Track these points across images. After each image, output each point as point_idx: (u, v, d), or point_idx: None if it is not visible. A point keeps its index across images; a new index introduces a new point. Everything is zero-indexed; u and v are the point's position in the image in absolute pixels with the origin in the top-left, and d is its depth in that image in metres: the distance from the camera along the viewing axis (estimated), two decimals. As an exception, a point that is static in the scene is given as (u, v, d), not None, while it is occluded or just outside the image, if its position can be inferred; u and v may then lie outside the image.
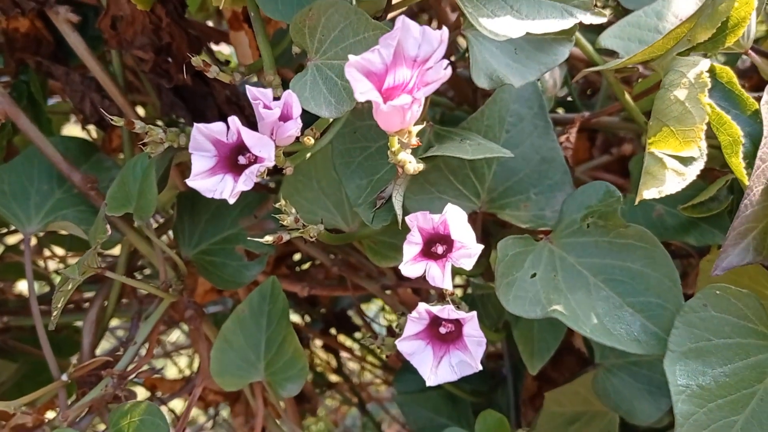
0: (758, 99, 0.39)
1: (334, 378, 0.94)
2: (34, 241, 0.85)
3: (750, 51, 0.41)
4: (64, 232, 0.80)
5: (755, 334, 0.37)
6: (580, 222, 0.43)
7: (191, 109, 0.54)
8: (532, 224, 0.46)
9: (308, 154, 0.40)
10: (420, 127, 0.33)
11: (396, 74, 0.29)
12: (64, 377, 0.50)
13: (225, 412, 1.15)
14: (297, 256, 0.75)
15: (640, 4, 0.51)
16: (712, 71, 0.40)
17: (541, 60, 0.43)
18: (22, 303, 0.80)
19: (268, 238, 0.38)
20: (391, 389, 1.26)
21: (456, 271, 0.48)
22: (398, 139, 0.32)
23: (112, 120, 0.38)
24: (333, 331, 0.83)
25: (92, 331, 0.54)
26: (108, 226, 0.40)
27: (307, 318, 0.86)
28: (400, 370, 0.61)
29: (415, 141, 0.32)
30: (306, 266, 0.75)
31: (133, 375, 0.47)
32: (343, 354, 0.89)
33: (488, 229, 0.53)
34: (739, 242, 0.38)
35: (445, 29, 0.28)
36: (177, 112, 0.54)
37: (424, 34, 0.29)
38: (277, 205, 0.39)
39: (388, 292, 0.59)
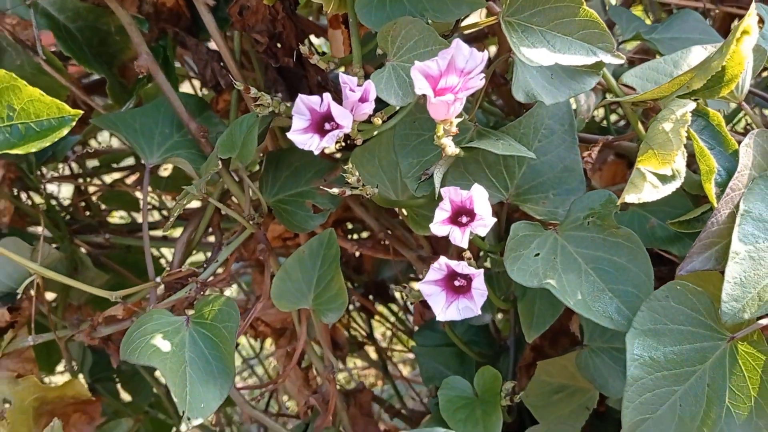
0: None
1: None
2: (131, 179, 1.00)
3: (743, 102, 0.51)
4: (162, 174, 0.95)
5: (703, 326, 0.47)
6: (583, 219, 0.53)
7: (288, 87, 0.67)
8: (545, 217, 0.56)
9: (375, 132, 0.51)
10: (459, 120, 0.44)
11: (447, 79, 0.41)
12: (158, 279, 0.63)
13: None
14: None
15: (671, 47, 0.60)
16: (705, 115, 0.49)
17: (571, 86, 0.53)
18: (119, 227, 0.96)
19: (335, 190, 0.50)
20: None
21: (479, 246, 0.59)
22: (443, 127, 0.43)
23: (235, 84, 0.50)
24: (371, 297, 0.95)
25: (182, 251, 0.67)
26: (219, 162, 0.52)
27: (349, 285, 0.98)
28: (421, 327, 0.73)
29: (454, 130, 0.43)
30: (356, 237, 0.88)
31: (212, 285, 0.60)
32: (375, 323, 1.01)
33: (511, 218, 0.63)
34: (704, 252, 0.48)
35: (486, 52, 0.39)
36: (277, 87, 0.66)
37: (471, 53, 0.40)
38: (345, 167, 0.50)
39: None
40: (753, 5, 0.45)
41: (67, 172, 0.93)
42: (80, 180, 0.88)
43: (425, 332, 0.71)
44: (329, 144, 0.43)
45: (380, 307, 0.97)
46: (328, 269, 0.61)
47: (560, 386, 0.63)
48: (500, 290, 0.63)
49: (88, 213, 0.94)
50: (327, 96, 0.43)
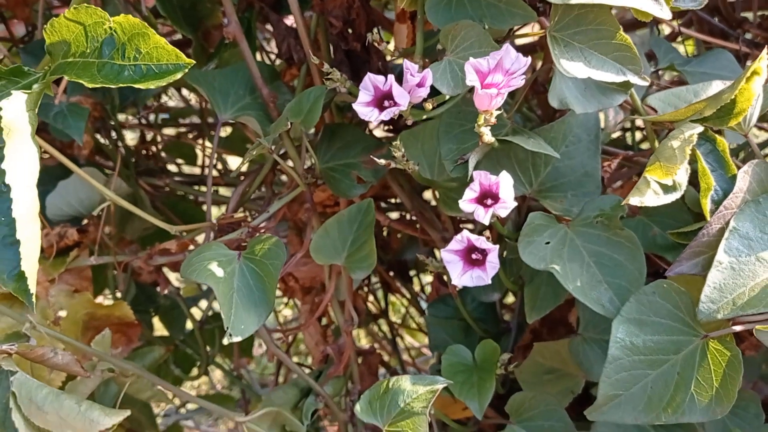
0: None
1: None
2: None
3: (748, 135, 0.58)
4: (223, 135, 1.03)
5: (682, 322, 0.54)
6: (593, 218, 0.60)
7: (352, 69, 0.75)
8: (561, 213, 0.64)
9: (425, 116, 0.59)
10: (499, 113, 0.52)
11: (494, 77, 0.48)
12: (214, 221, 0.72)
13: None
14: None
15: (700, 80, 0.67)
16: (713, 140, 0.56)
17: (600, 100, 0.60)
18: (176, 174, 1.05)
19: (383, 161, 0.59)
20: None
21: (498, 231, 0.66)
22: (484, 117, 0.51)
23: (311, 59, 0.59)
24: (392, 273, 1.03)
25: (237, 200, 0.76)
26: (290, 124, 0.61)
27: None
28: (435, 299, 0.80)
29: (493, 120, 0.51)
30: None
31: (260, 231, 0.68)
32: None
33: (531, 211, 0.71)
34: (692, 258, 0.55)
35: (529, 58, 0.47)
36: (342, 68, 0.75)
37: (517, 57, 0.48)
38: (393, 143, 0.59)
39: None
40: (765, 49, 0.52)
41: (134, 120, 1.03)
42: (150, 128, 0.97)
43: (438, 305, 0.79)
44: (386, 118, 0.51)
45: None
46: (363, 233, 0.69)
47: (551, 369, 0.70)
48: (511, 274, 0.70)
49: (149, 160, 1.03)
50: (391, 77, 0.51)
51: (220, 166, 1.09)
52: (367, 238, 0.68)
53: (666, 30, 1.12)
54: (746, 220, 0.54)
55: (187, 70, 0.46)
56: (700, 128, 0.53)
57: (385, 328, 1.14)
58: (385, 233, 1.03)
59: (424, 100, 0.56)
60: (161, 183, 0.93)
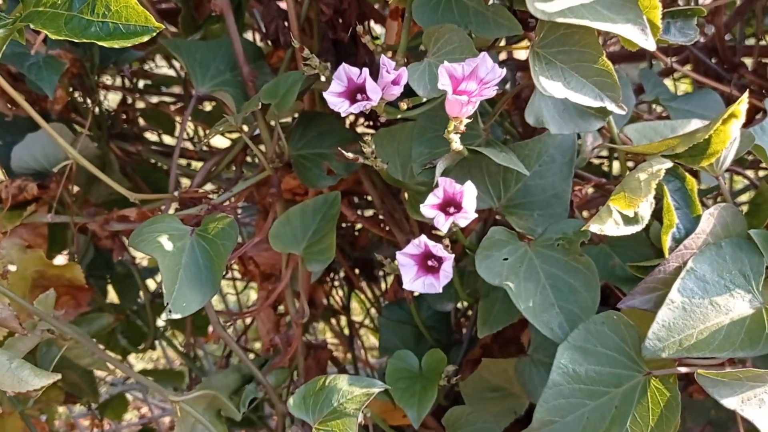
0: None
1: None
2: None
3: (720, 177, 0.57)
4: (208, 108, 1.02)
5: (626, 356, 0.53)
6: (555, 241, 0.59)
7: (338, 60, 0.74)
8: (524, 231, 0.63)
9: (399, 115, 0.58)
10: (469, 121, 0.51)
11: (468, 84, 0.48)
12: (176, 193, 0.70)
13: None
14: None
15: (683, 117, 0.67)
16: (682, 178, 0.56)
17: (577, 123, 0.59)
18: (153, 143, 1.03)
19: (350, 155, 0.57)
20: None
21: (460, 241, 0.65)
22: (454, 123, 0.50)
23: (293, 42, 0.57)
24: (357, 271, 1.02)
25: (203, 175, 0.75)
26: (260, 105, 0.60)
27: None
28: (391, 302, 0.79)
29: (462, 128, 0.50)
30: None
31: (220, 210, 0.67)
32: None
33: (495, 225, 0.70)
34: (645, 294, 0.54)
35: (504, 69, 0.46)
36: (328, 57, 0.74)
37: (493, 67, 0.47)
38: (365, 138, 0.57)
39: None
40: (746, 94, 0.52)
41: (119, 83, 1.01)
42: (129, 92, 0.96)
43: (393, 308, 0.78)
44: (355, 111, 0.50)
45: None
46: (326, 225, 0.68)
47: (497, 386, 0.70)
48: (468, 286, 0.69)
49: (126, 125, 1.02)
50: (365, 70, 0.50)
51: (198, 141, 1.07)
52: (329, 231, 0.67)
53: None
54: (705, 263, 0.53)
55: (155, 34, 0.45)
56: (669, 164, 0.52)
57: (345, 324, 1.13)
58: (357, 229, 1.02)
59: (399, 99, 0.55)
60: (133, 149, 0.91)
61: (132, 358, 2.08)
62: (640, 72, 0.79)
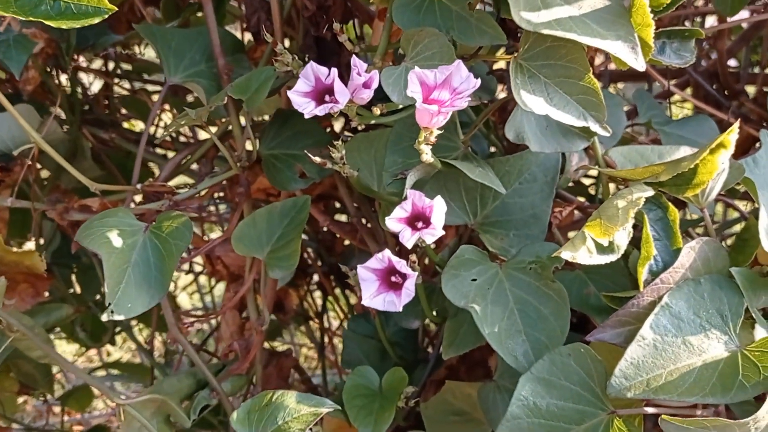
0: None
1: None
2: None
3: (705, 209, 0.54)
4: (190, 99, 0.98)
5: (591, 392, 0.50)
6: (527, 264, 0.56)
7: (319, 58, 0.71)
8: (498, 251, 0.60)
9: (372, 121, 0.55)
10: (439, 132, 0.48)
11: (441, 93, 0.44)
12: (138, 186, 0.67)
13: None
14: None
15: (675, 143, 0.64)
16: (665, 208, 0.53)
17: (560, 142, 0.56)
18: (126, 132, 1.00)
19: (318, 159, 0.54)
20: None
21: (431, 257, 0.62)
22: (424, 134, 0.47)
23: (266, 36, 0.54)
24: (332, 278, 0.99)
25: (170, 169, 0.72)
26: (226, 98, 0.56)
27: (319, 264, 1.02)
28: (358, 315, 0.76)
29: (433, 139, 0.47)
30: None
31: (183, 206, 0.64)
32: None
33: (470, 242, 0.67)
34: (617, 327, 0.51)
35: (479, 80, 0.43)
36: (309, 54, 0.70)
37: (468, 77, 0.44)
38: (335, 143, 0.54)
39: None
40: (737, 123, 0.49)
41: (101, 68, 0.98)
42: (107, 76, 0.92)
43: (360, 320, 0.75)
44: (320, 113, 0.47)
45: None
46: (292, 230, 0.64)
47: (460, 410, 0.66)
48: (437, 305, 0.66)
49: (106, 111, 0.98)
50: (334, 71, 0.47)
51: (176, 132, 1.04)
52: (295, 236, 0.64)
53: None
54: (681, 299, 0.50)
55: (107, 16, 0.42)
56: (650, 192, 0.49)
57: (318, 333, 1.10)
58: (335, 235, 0.98)
59: (372, 103, 0.52)
60: (106, 136, 0.88)
61: (109, 346, 2.05)
62: (635, 93, 0.76)
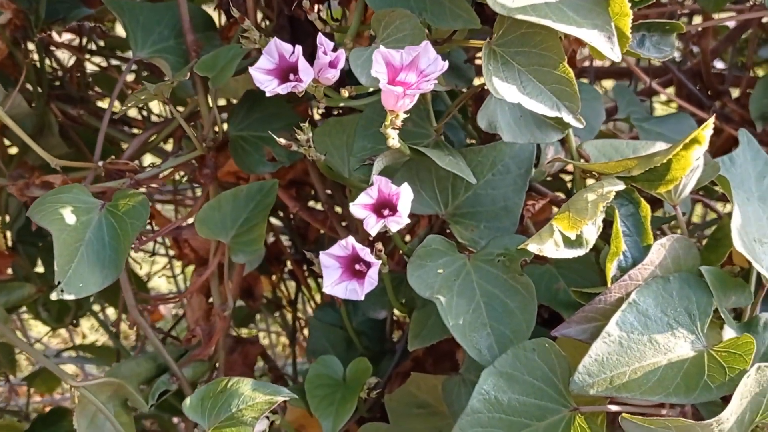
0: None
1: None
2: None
3: (677, 206, 0.53)
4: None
5: (554, 388, 0.49)
6: (495, 256, 0.55)
7: (293, 39, 0.68)
8: (467, 243, 0.58)
9: (341, 104, 0.53)
10: (406, 116, 0.46)
11: (407, 75, 0.43)
12: (100, 163, 0.65)
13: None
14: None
15: (653, 138, 0.63)
16: (637, 203, 0.52)
17: (534, 133, 0.55)
18: (98, 109, 0.97)
19: (282, 141, 0.53)
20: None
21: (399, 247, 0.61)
22: (391, 118, 0.45)
23: (232, 11, 0.52)
24: (305, 267, 0.97)
25: (135, 147, 0.69)
26: (189, 74, 0.54)
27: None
28: (325, 303, 0.75)
29: (399, 123, 0.45)
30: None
31: (144, 185, 0.62)
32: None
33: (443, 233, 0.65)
34: (582, 323, 0.50)
35: (446, 62, 0.42)
36: (282, 35, 0.68)
37: (436, 59, 0.42)
38: (301, 125, 0.52)
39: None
40: (711, 119, 0.47)
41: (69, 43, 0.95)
42: (80, 53, 0.90)
43: (326, 309, 0.73)
44: (283, 91, 0.45)
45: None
46: (258, 214, 0.63)
47: (424, 403, 0.65)
48: (406, 294, 0.65)
49: (78, 87, 0.95)
50: (298, 48, 0.45)
51: (147, 110, 1.01)
52: (260, 221, 0.62)
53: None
54: (649, 296, 0.49)
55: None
56: (620, 186, 0.48)
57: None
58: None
59: (340, 84, 0.50)
60: (74, 113, 0.85)
61: (86, 329, 2.01)
62: (615, 87, 0.75)
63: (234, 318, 1.19)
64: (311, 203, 0.94)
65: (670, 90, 1.05)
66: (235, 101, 0.78)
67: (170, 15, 0.67)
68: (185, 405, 0.51)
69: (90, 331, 2.02)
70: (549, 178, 0.85)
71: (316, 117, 0.81)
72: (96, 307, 1.28)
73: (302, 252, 0.98)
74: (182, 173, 0.88)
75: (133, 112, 1.06)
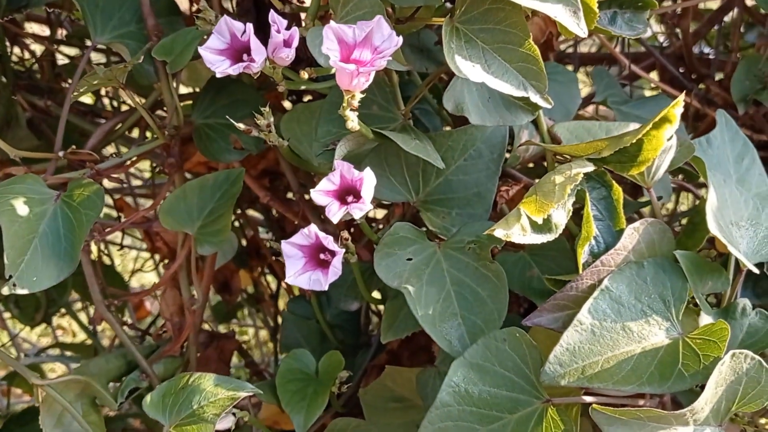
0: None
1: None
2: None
3: (651, 189, 0.51)
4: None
5: (526, 379, 0.47)
6: (466, 243, 0.53)
7: (259, 22, 0.66)
8: (438, 231, 0.56)
9: (302, 87, 0.51)
10: (362, 95, 0.44)
11: (362, 53, 0.41)
12: (60, 154, 0.63)
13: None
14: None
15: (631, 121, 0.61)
16: (609, 186, 0.50)
17: (503, 115, 0.53)
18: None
19: (242, 126, 0.51)
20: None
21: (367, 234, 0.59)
22: (347, 98, 0.43)
23: (186, -10, 0.50)
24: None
25: (99, 137, 0.67)
26: (142, 58, 0.52)
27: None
28: (298, 296, 0.73)
29: (355, 104, 0.43)
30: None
31: (106, 175, 0.59)
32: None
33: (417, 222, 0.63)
34: (554, 312, 0.48)
35: (401, 38, 0.40)
36: (247, 18, 0.66)
37: (390, 35, 0.40)
38: (262, 109, 0.50)
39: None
40: (682, 95, 0.45)
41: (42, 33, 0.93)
42: (47, 41, 0.87)
43: (300, 301, 0.71)
44: (234, 72, 0.43)
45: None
46: (224, 204, 0.61)
47: (400, 397, 0.63)
48: (378, 285, 0.63)
49: (46, 78, 0.93)
50: (249, 26, 0.43)
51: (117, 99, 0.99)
52: (226, 210, 0.60)
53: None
54: (622, 282, 0.47)
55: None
56: (590, 167, 0.46)
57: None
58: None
59: (297, 64, 0.48)
60: (41, 104, 0.83)
61: (75, 326, 1.99)
62: (593, 71, 0.73)
63: (216, 313, 1.17)
64: (291, 194, 0.92)
65: (654, 75, 1.03)
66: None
67: (131, -1, 0.64)
68: (145, 402, 0.49)
69: (79, 329, 2.00)
70: (531, 165, 0.83)
71: (288, 105, 0.78)
72: (80, 304, 1.26)
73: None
74: (154, 165, 0.86)
75: (105, 102, 1.03)
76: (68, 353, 1.29)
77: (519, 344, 0.48)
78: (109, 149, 0.76)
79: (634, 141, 0.45)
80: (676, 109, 0.45)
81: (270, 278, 1.09)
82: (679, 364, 0.45)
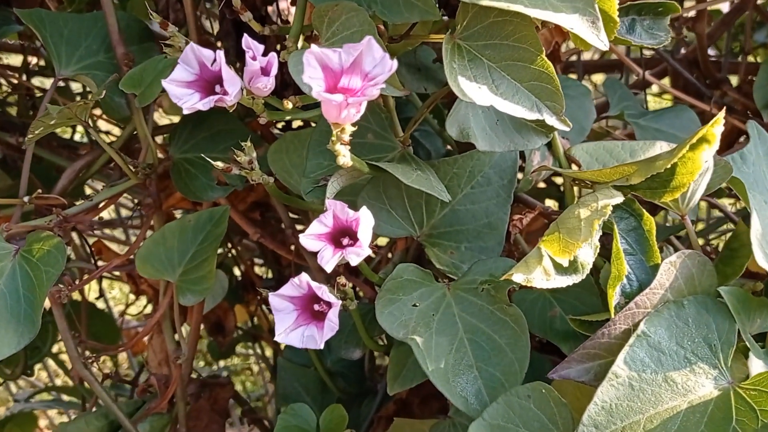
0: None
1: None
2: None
3: (686, 216, 0.45)
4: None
5: (555, 442, 0.41)
6: (479, 284, 0.47)
7: (238, 46, 0.61)
8: (446, 269, 0.51)
9: (287, 117, 0.46)
10: (354, 129, 0.38)
11: (351, 80, 0.35)
12: (26, 199, 0.57)
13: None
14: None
15: (651, 138, 0.55)
16: (639, 216, 0.44)
17: (514, 139, 0.47)
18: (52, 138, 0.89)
19: (220, 164, 0.45)
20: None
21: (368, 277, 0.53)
22: (336, 132, 0.38)
23: (152, 16, 0.45)
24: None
25: (69, 178, 0.61)
26: (104, 93, 0.47)
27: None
28: (296, 341, 0.67)
29: (346, 138, 0.37)
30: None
31: (75, 222, 0.54)
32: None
33: (421, 258, 0.57)
34: (585, 362, 0.42)
35: (395, 62, 0.34)
36: (227, 41, 0.61)
37: (382, 58, 0.34)
38: (242, 142, 0.45)
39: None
40: (721, 113, 0.40)
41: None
42: (17, 73, 0.82)
43: (297, 348, 0.65)
44: (204, 107, 0.37)
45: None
46: (207, 247, 0.55)
47: (411, 452, 0.57)
48: (381, 330, 0.57)
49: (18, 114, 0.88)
50: (220, 54, 0.37)
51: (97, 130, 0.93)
52: (210, 255, 0.55)
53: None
54: (661, 326, 0.41)
55: None
56: (619, 198, 0.40)
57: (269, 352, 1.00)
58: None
59: (284, 89, 0.43)
60: (13, 141, 0.77)
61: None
62: (605, 81, 0.67)
63: (212, 351, 1.11)
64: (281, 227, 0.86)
65: (666, 81, 0.98)
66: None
67: (100, 26, 0.59)
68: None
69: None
70: (543, 185, 0.77)
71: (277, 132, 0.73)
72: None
73: (278, 278, 0.90)
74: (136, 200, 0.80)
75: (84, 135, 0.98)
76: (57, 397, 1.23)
77: (546, 401, 0.41)
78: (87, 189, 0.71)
79: (669, 165, 0.39)
80: (716, 128, 0.39)
81: (268, 310, 1.04)
82: (732, 422, 0.39)
